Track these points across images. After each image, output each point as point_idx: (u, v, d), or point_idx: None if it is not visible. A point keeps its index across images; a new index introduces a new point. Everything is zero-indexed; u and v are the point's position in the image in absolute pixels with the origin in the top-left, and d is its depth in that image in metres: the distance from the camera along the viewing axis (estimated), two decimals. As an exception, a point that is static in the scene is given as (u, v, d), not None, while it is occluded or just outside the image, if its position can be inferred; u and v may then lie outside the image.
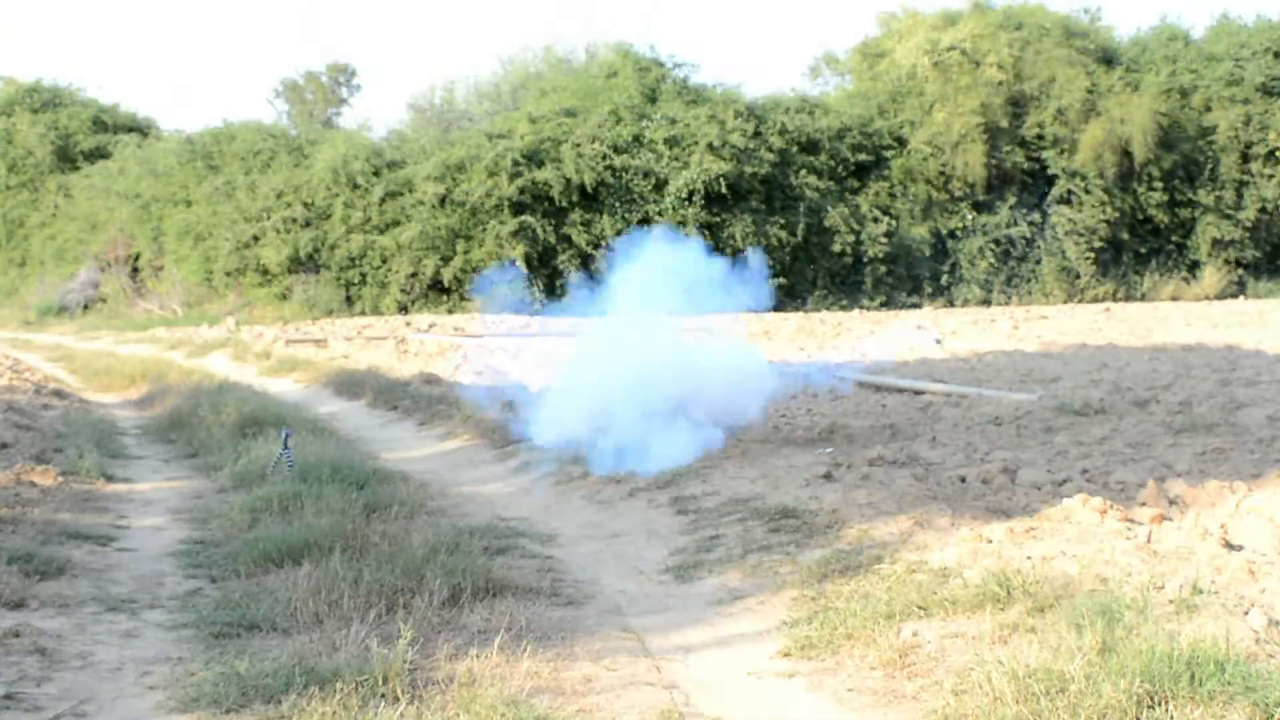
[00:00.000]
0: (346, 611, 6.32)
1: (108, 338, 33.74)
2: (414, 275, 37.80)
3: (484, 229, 37.49)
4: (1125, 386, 14.35)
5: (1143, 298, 42.90)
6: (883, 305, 40.47)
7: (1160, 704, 4.50)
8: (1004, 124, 42.84)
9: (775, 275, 39.68)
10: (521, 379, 18.57)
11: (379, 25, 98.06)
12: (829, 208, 40.79)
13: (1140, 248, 44.18)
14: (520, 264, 36.87)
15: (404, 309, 37.70)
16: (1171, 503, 8.14)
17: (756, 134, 40.20)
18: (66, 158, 49.20)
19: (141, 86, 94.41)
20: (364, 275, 38.44)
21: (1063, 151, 42.94)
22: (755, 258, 12.29)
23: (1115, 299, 42.39)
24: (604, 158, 38.49)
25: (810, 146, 41.19)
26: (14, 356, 26.06)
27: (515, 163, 37.52)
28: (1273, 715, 4.36)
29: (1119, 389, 14.16)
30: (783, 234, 39.63)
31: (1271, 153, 44.28)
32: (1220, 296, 42.50)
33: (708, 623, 6.60)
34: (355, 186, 38.83)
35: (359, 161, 38.93)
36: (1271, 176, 44.36)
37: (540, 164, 38.12)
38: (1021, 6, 45.29)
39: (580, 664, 5.83)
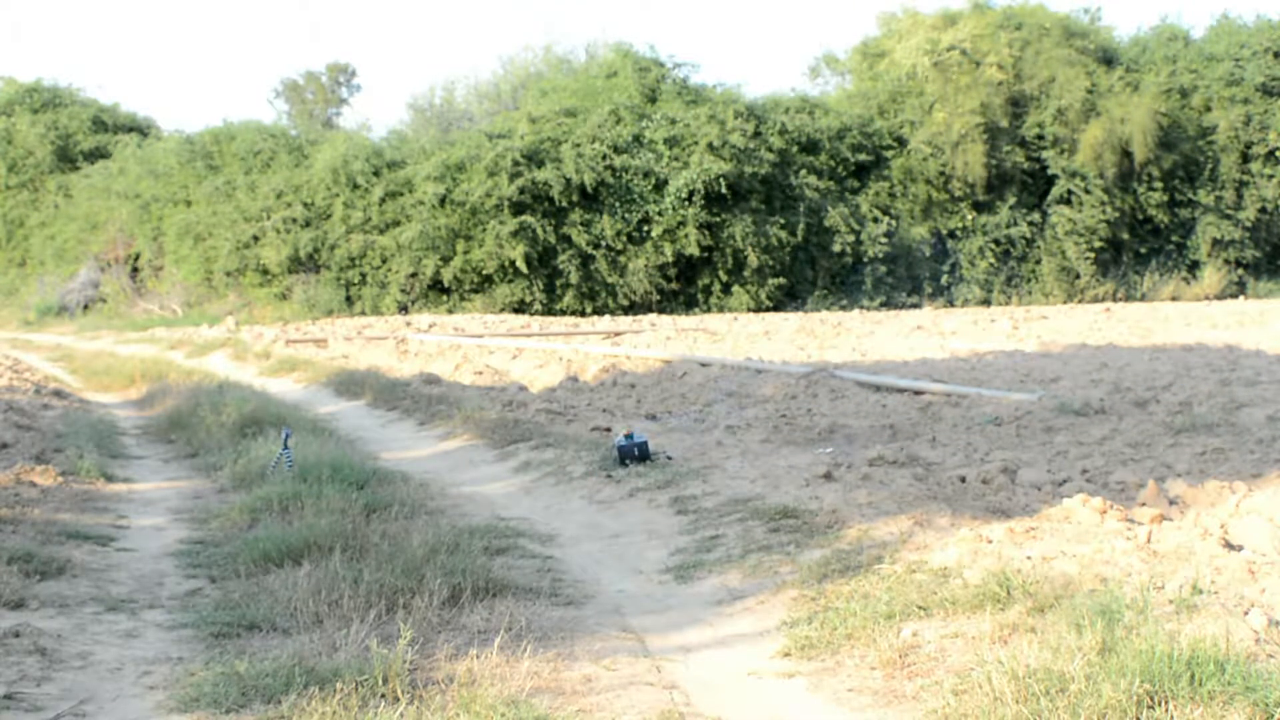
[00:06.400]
0: (346, 611, 6.32)
1: (108, 338, 33.70)
2: (414, 275, 37.78)
3: (484, 229, 37.47)
4: (1125, 386, 14.36)
5: (1142, 298, 42.89)
6: (883, 305, 40.46)
7: (1160, 704, 4.50)
8: (1004, 124, 42.84)
9: (775, 275, 39.78)
10: (522, 379, 18.59)
11: (379, 25, 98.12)
12: (829, 208, 40.78)
13: (1140, 248, 44.16)
14: (520, 264, 36.87)
15: (404, 309, 37.68)
16: (1171, 503, 8.15)
17: (756, 134, 40.18)
18: (66, 158, 49.14)
19: (141, 86, 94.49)
20: (364, 275, 38.42)
21: (1063, 151, 42.93)
22: None
23: (1115, 299, 42.38)
24: (604, 158, 38.48)
25: (810, 146, 41.18)
26: (14, 356, 26.06)
27: (515, 163, 37.49)
28: (1273, 715, 4.35)
29: (1119, 389, 14.16)
30: (783, 234, 39.60)
31: (1271, 153, 44.28)
32: (1220, 296, 42.50)
33: (708, 623, 6.59)
34: (355, 186, 38.80)
35: (359, 161, 38.90)
36: (1271, 176, 44.35)
37: (540, 164, 38.09)
38: (1021, 6, 45.28)
39: (580, 664, 5.82)
